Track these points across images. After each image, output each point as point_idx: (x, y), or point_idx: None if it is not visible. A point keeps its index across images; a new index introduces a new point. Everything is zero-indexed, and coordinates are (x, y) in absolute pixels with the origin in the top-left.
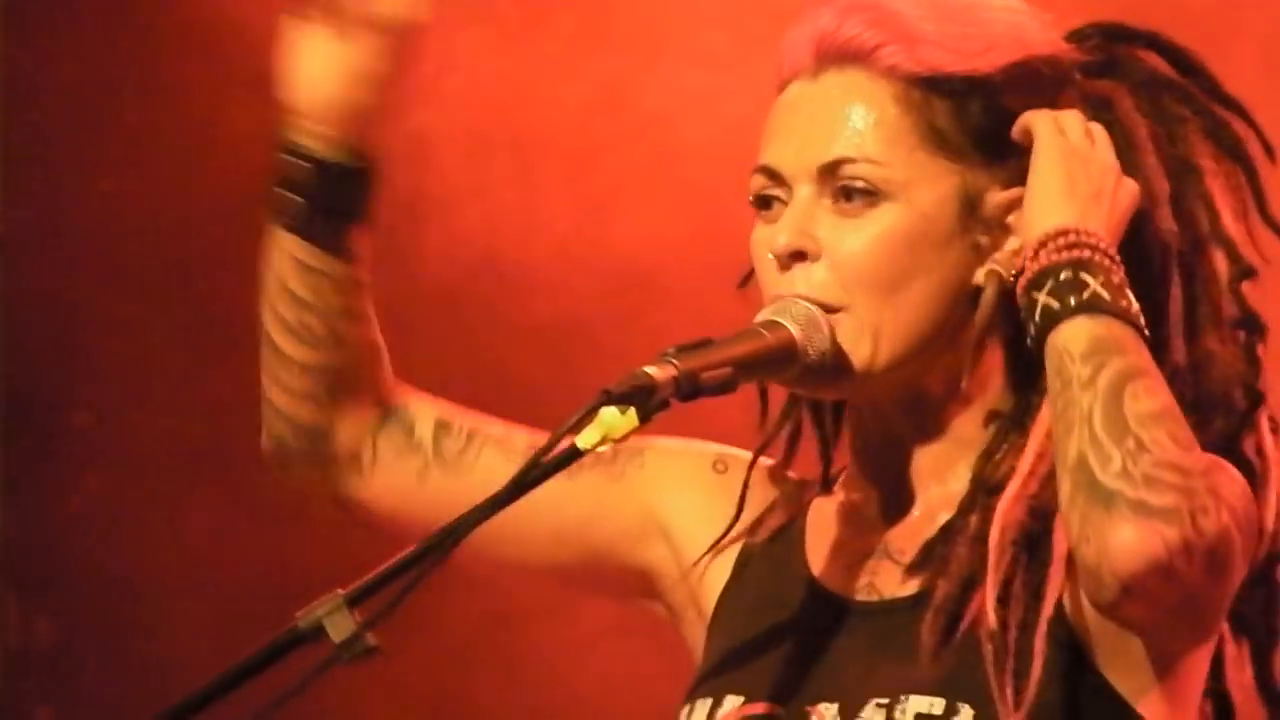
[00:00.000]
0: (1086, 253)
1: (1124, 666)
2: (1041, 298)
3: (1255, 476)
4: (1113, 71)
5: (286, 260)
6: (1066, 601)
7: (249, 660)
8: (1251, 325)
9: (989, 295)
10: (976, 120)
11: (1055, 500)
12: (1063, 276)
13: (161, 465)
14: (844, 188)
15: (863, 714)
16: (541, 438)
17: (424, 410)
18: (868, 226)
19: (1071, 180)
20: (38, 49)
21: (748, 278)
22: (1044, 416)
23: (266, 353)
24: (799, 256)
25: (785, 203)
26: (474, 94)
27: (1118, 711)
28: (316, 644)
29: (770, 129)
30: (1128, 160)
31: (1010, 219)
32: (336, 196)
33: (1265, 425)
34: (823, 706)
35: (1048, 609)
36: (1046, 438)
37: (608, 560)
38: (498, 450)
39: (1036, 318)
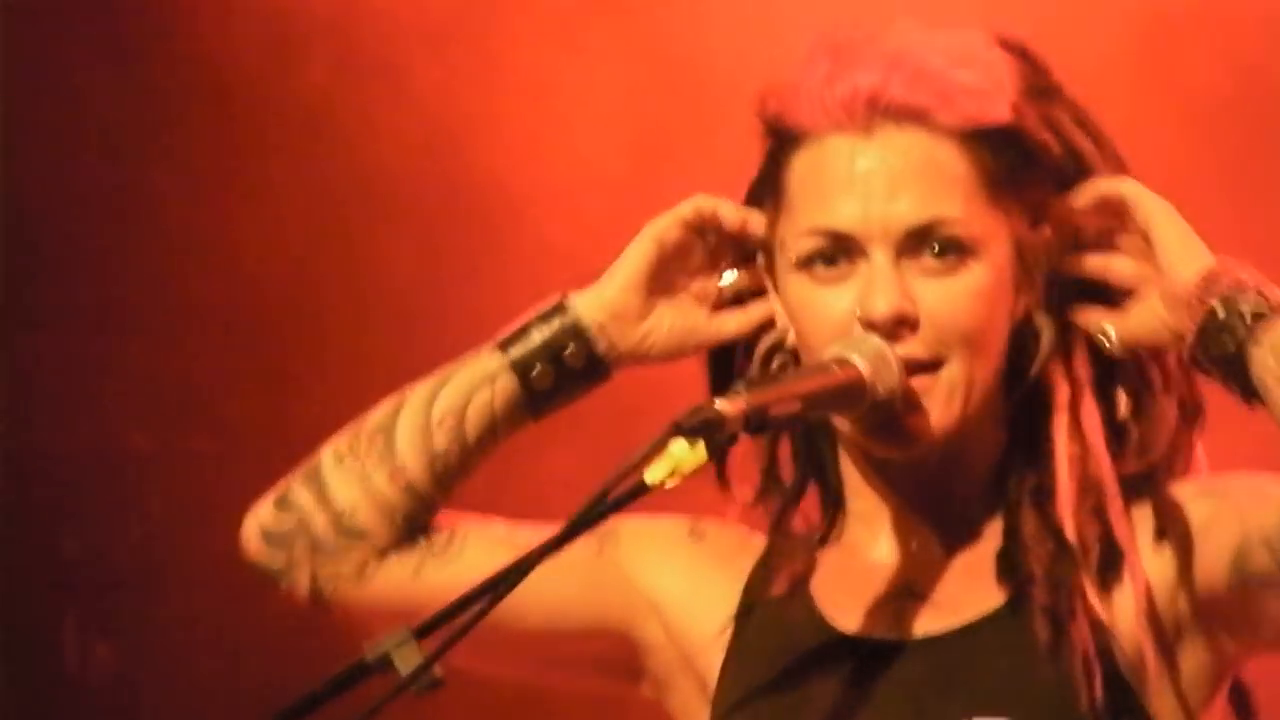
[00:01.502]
0: (1244, 277)
1: (1160, 696)
2: (1235, 319)
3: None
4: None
5: (487, 397)
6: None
7: (318, 690)
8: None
9: (1050, 336)
10: (1012, 164)
11: (1101, 499)
12: (1246, 299)
13: (218, 489)
14: (935, 247)
15: None
16: (520, 528)
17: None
18: (962, 284)
19: (1183, 225)
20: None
21: (750, 354)
22: (1059, 427)
23: (419, 480)
24: (903, 322)
25: (849, 265)
26: None
27: None
28: (382, 675)
29: (818, 188)
30: (1101, 151)
31: (1041, 256)
32: (575, 388)
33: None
34: None
35: (1140, 596)
36: (1070, 443)
37: (597, 636)
38: (479, 536)
39: (1233, 338)
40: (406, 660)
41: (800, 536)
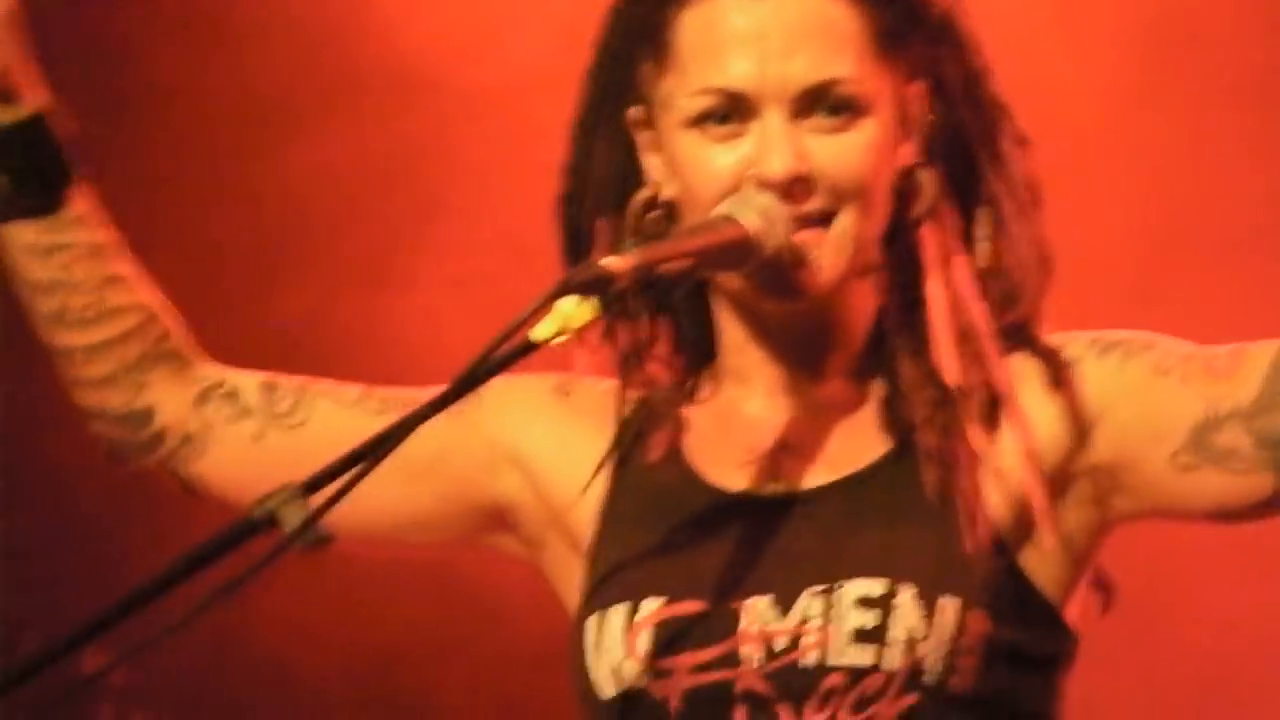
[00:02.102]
0: None
1: (1038, 558)
2: None
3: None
4: None
5: (17, 251)
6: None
7: (204, 547)
8: (1034, 191)
9: (933, 189)
10: (895, 21)
11: (979, 346)
12: None
13: None
14: (830, 105)
15: (799, 603)
16: (375, 391)
17: (246, 377)
18: (854, 141)
19: None
20: None
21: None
22: (932, 273)
23: (54, 358)
24: (799, 182)
25: (741, 124)
26: None
27: (1039, 600)
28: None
29: (709, 46)
30: (958, 33)
31: (917, 111)
32: (23, 157)
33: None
34: (752, 600)
35: (1024, 437)
36: (943, 289)
37: (458, 497)
38: (330, 401)
39: None
40: (293, 517)
41: (668, 391)
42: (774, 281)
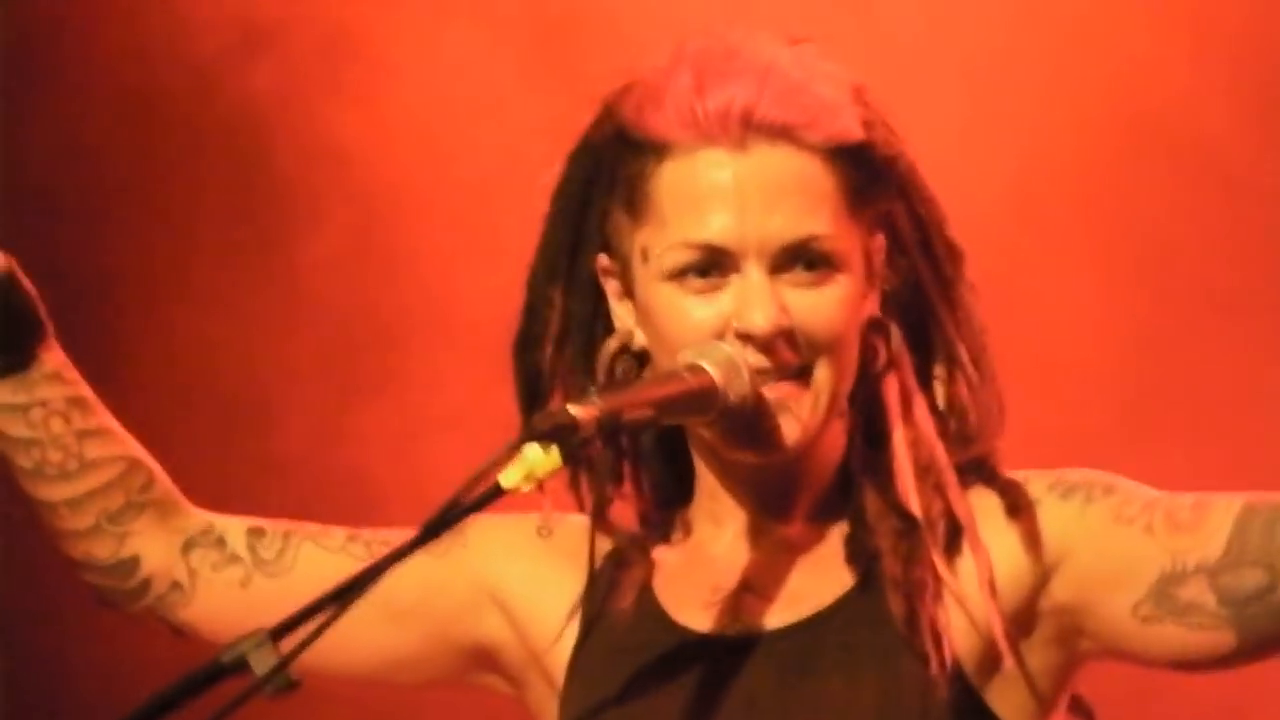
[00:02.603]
0: None
1: (1002, 694)
2: None
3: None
4: None
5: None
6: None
7: (172, 690)
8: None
9: (899, 336)
10: (864, 178)
11: (940, 478)
12: None
13: None
14: (808, 261)
15: None
16: (362, 534)
17: (231, 523)
18: (830, 296)
19: None
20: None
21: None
22: (893, 413)
23: (39, 513)
24: (781, 336)
25: (721, 278)
26: None
27: None
28: (240, 677)
29: (691, 201)
30: (915, 184)
31: (878, 264)
32: None
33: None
34: None
35: (984, 567)
36: (906, 427)
37: (443, 639)
38: (315, 545)
39: None
40: (262, 661)
41: (638, 535)
42: (744, 433)
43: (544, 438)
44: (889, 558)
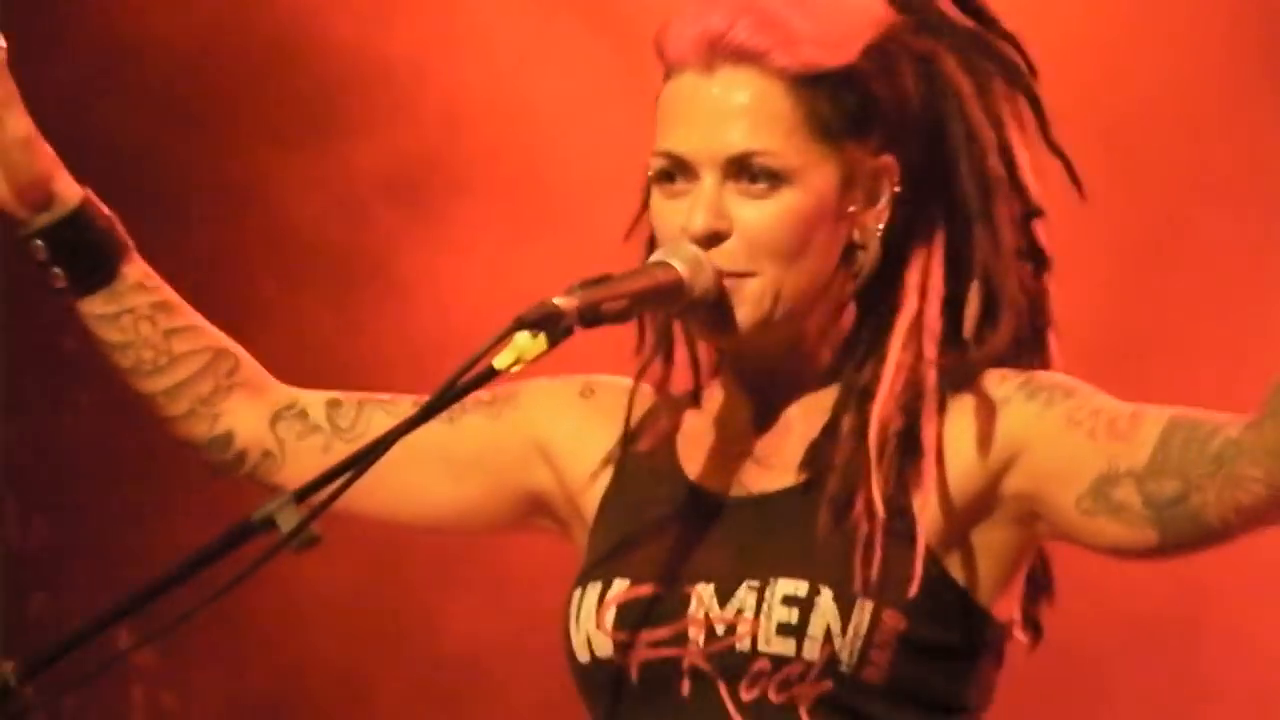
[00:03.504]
0: None
1: (965, 562)
2: None
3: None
4: (927, 28)
5: (91, 322)
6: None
7: (211, 546)
8: (1040, 258)
9: (873, 251)
10: (849, 106)
11: (919, 402)
12: None
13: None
14: (751, 174)
15: (737, 594)
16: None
17: (313, 396)
18: (772, 206)
19: None
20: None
21: (632, 228)
22: (899, 333)
23: (148, 402)
24: (715, 236)
25: (687, 184)
26: None
27: (964, 599)
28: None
29: (669, 116)
30: (954, 113)
31: (878, 183)
32: (75, 247)
33: (1052, 342)
34: (700, 586)
35: (926, 495)
36: (903, 350)
37: (500, 489)
38: (384, 412)
39: None
40: (287, 520)
41: (676, 397)
42: (706, 321)
43: (532, 325)
44: (834, 475)
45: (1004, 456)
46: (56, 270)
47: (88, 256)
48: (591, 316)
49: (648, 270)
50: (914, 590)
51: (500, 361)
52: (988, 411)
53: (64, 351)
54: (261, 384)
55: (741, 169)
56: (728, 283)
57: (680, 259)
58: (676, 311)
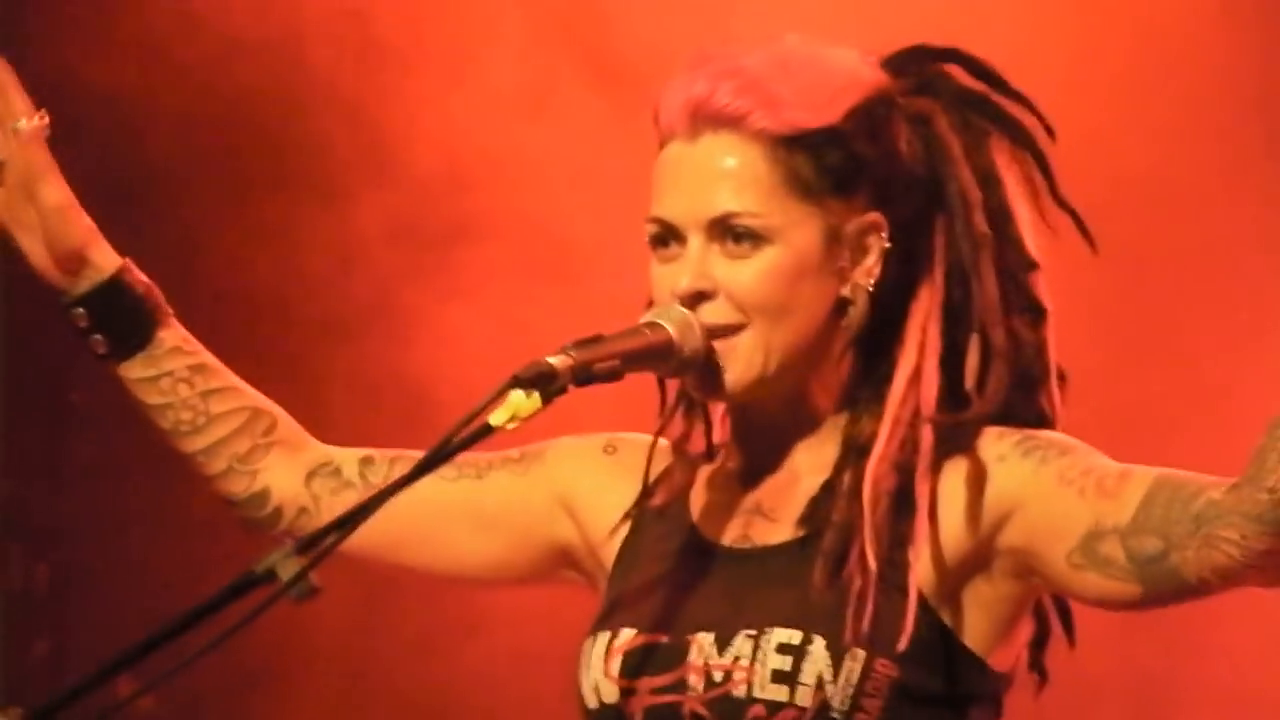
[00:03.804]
0: None
1: (960, 614)
2: None
3: (1050, 424)
4: (926, 89)
5: (131, 385)
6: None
7: (216, 596)
8: (1037, 310)
9: (861, 305)
10: (831, 165)
11: (913, 460)
12: None
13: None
14: (734, 235)
15: (734, 642)
16: (456, 461)
17: (347, 454)
18: (755, 265)
19: None
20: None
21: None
22: (896, 389)
23: (191, 462)
24: (700, 296)
25: (679, 247)
26: None
27: (959, 650)
28: (269, 585)
29: (659, 184)
30: (945, 172)
31: (866, 239)
32: (113, 313)
33: (1054, 393)
34: (701, 635)
35: (919, 550)
36: (901, 405)
37: (527, 543)
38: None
39: None
40: (288, 570)
41: (692, 453)
42: (699, 380)
43: (526, 384)
44: (831, 532)
45: (998, 513)
46: (98, 337)
47: (126, 322)
48: (584, 375)
49: (639, 331)
50: (904, 644)
51: (495, 419)
52: (982, 470)
53: (66, 402)
54: (298, 442)
55: (724, 230)
56: (717, 344)
57: (669, 320)
58: (668, 371)
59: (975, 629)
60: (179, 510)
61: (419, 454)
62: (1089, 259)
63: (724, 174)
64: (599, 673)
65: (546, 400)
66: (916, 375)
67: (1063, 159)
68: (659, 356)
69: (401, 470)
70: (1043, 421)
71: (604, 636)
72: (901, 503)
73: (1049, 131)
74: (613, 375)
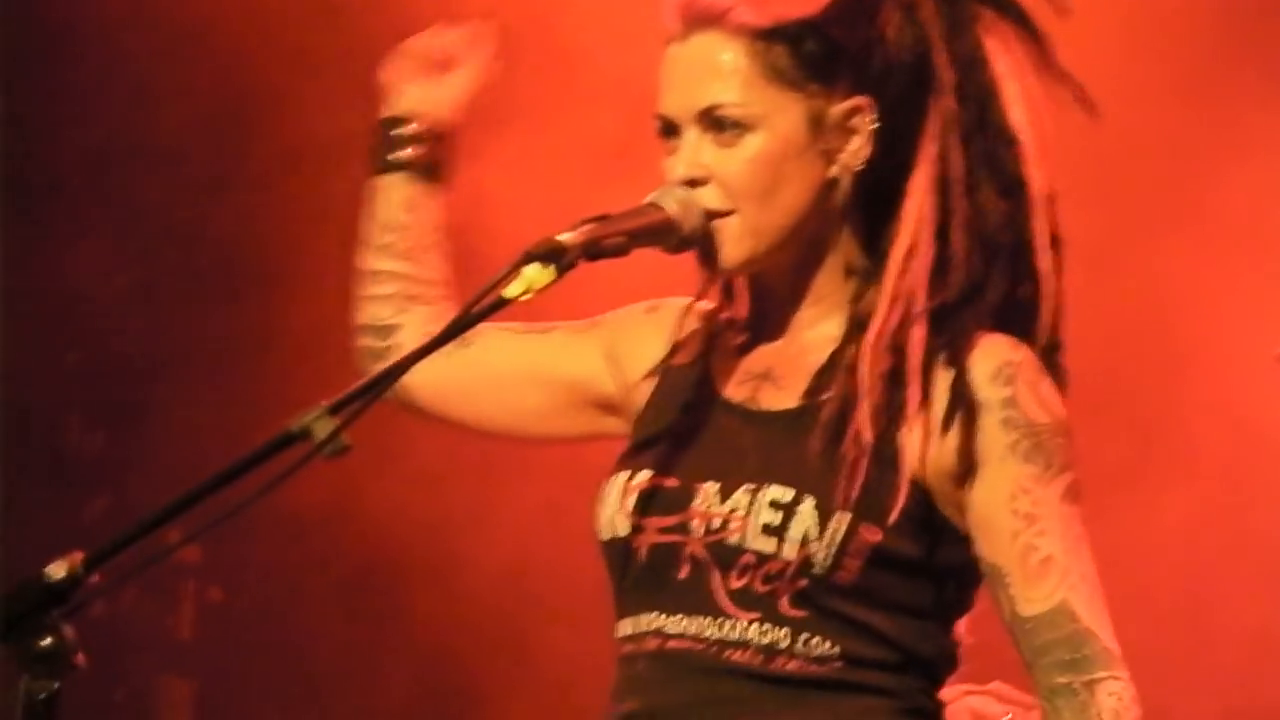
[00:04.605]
0: None
1: (948, 495)
2: None
3: (1036, 301)
4: None
5: (390, 191)
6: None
7: (255, 453)
8: (1011, 182)
9: (845, 185)
10: (809, 53)
11: (908, 338)
12: None
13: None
14: (720, 125)
15: (735, 494)
16: (533, 326)
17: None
18: (740, 152)
19: None
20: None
21: None
22: (893, 264)
23: (365, 277)
24: (694, 183)
25: (679, 139)
26: None
27: (952, 532)
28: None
29: (660, 82)
30: (923, 55)
31: (851, 122)
32: (436, 155)
33: (1038, 256)
34: (707, 484)
35: (911, 428)
36: (898, 281)
37: (578, 391)
38: (491, 325)
39: None
40: (322, 430)
41: (721, 318)
42: (698, 257)
43: (541, 258)
44: (830, 402)
45: (956, 462)
46: (410, 151)
47: (437, 164)
48: (594, 250)
49: (643, 210)
50: (894, 517)
51: (510, 291)
52: (970, 404)
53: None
54: (445, 311)
55: (712, 121)
56: (714, 223)
57: (670, 200)
58: (670, 247)
59: (963, 510)
60: (223, 386)
61: (514, 325)
62: None
63: (710, 69)
64: (614, 507)
65: (560, 272)
66: (912, 250)
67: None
68: (661, 234)
69: (488, 330)
70: (1018, 298)
71: (623, 475)
72: (898, 381)
73: (1062, 8)
74: (620, 250)
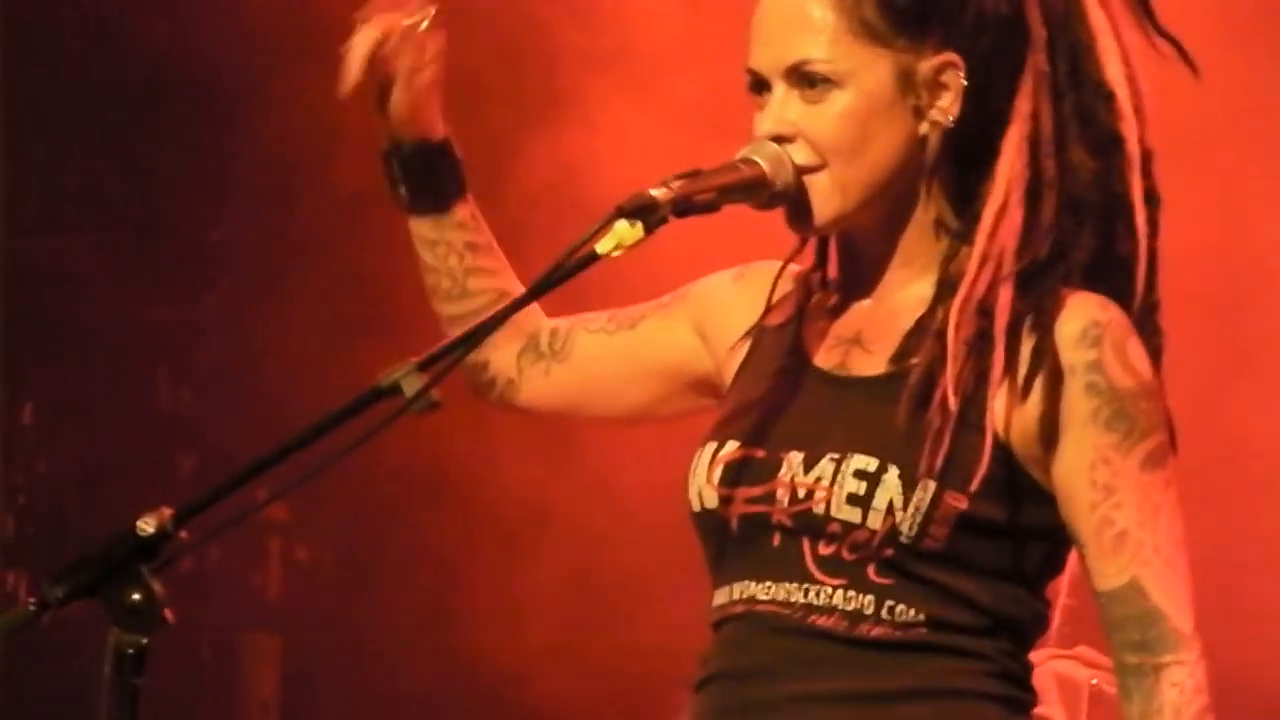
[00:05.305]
0: None
1: (1038, 458)
2: None
3: (1132, 259)
4: None
5: (415, 240)
6: (1003, 410)
7: (336, 412)
8: (1108, 139)
9: (934, 142)
10: (899, 8)
11: (995, 300)
12: None
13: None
14: (808, 80)
15: (820, 463)
16: (615, 312)
17: (545, 326)
18: (829, 108)
19: None
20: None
21: None
22: (984, 224)
23: (445, 324)
24: (781, 139)
25: (768, 94)
26: None
27: (1040, 493)
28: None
29: (750, 37)
30: (1015, 10)
31: (943, 77)
32: (426, 174)
33: (1135, 214)
34: (792, 454)
35: (994, 391)
36: (989, 242)
37: (684, 374)
38: (583, 331)
39: None
40: (411, 386)
41: (814, 282)
42: (788, 213)
43: (630, 214)
44: (919, 368)
45: (1039, 429)
46: (403, 190)
47: (433, 185)
48: (684, 207)
49: (734, 166)
50: (976, 484)
51: (602, 247)
52: (1054, 368)
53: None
54: (524, 321)
55: (800, 77)
56: (806, 179)
57: (763, 155)
58: (761, 203)
59: (1051, 474)
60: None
61: (589, 315)
62: None
63: (798, 23)
64: (703, 480)
65: (649, 229)
66: (1003, 210)
67: None
68: (752, 189)
69: (574, 334)
70: (1113, 256)
71: (711, 447)
72: (986, 345)
73: None
74: (710, 207)
